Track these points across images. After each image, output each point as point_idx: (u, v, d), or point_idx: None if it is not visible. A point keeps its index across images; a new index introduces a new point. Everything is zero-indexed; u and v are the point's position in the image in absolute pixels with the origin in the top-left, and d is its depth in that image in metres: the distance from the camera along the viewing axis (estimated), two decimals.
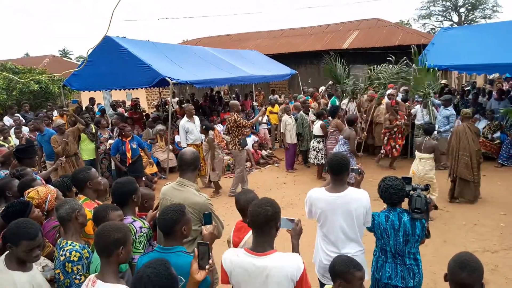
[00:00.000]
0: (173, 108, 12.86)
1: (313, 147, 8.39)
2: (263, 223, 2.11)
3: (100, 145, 7.66)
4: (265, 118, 11.60)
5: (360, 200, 2.92)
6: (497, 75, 13.48)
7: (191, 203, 2.87)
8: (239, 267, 2.13)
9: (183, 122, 7.82)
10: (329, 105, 9.72)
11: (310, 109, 9.76)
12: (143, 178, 7.62)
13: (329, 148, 7.77)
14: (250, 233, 2.67)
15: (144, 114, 12.29)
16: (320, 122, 8.37)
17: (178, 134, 8.08)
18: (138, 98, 12.12)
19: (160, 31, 73.54)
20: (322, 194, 3.00)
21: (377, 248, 3.09)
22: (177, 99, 14.46)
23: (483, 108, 9.77)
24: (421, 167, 5.84)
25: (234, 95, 15.14)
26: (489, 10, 32.52)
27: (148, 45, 10.57)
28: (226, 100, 14.04)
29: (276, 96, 14.61)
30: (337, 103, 9.42)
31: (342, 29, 18.36)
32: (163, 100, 13.97)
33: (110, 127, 8.15)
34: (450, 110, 8.31)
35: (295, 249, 2.39)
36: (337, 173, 2.96)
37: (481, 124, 9.07)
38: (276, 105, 11.58)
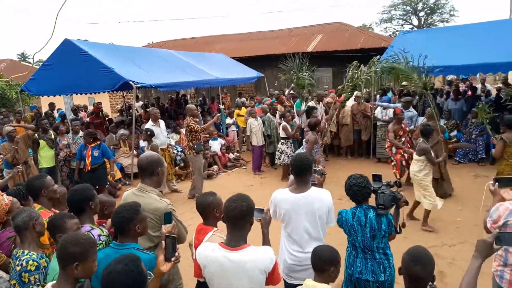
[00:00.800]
0: (137, 112, 12.63)
1: (278, 148, 8.52)
2: (238, 218, 2.19)
3: (59, 151, 7.39)
4: (233, 120, 11.62)
5: (322, 199, 2.97)
6: (454, 76, 14.11)
7: (152, 209, 2.82)
8: (214, 261, 2.18)
9: (148, 126, 7.68)
10: (294, 108, 9.83)
11: (277, 111, 9.85)
12: (107, 185, 7.42)
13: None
14: (210, 234, 2.67)
15: (107, 119, 11.98)
16: (283, 123, 8.44)
17: (143, 138, 7.92)
18: (101, 103, 11.77)
19: (125, 34, 72.01)
20: (286, 195, 3.04)
21: (349, 244, 3.15)
22: (141, 103, 14.20)
23: (441, 108, 10.19)
24: (411, 167, 5.94)
25: (200, 98, 15.05)
26: (446, 14, 34.10)
27: (111, 48, 10.32)
28: (193, 104, 13.92)
29: (243, 99, 14.64)
30: (302, 105, 9.54)
31: (307, 33, 18.69)
32: (127, 104, 13.66)
33: (70, 133, 7.85)
34: (412, 111, 8.61)
35: (266, 238, 2.50)
36: (300, 173, 3.01)
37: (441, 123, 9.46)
38: (243, 108, 11.60)
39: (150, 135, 7.41)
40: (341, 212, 3.10)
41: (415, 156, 5.89)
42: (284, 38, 18.85)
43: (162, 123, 7.91)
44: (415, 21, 35.02)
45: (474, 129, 8.88)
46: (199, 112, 11.88)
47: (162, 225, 2.62)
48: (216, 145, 10.06)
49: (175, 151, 9.26)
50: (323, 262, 2.38)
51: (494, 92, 11.93)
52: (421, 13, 34.77)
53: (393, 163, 7.60)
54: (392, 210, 3.12)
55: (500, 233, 1.94)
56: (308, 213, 2.95)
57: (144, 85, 8.45)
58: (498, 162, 5.63)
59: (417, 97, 10.85)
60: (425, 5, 34.17)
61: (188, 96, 15.49)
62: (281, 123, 9.46)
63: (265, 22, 68.51)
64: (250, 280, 2.16)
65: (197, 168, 7.40)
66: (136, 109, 12.89)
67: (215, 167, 9.48)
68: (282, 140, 8.45)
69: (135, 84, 8.12)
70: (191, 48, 17.51)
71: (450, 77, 13.97)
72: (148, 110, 10.15)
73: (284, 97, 11.06)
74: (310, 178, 3.06)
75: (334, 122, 9.53)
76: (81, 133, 7.70)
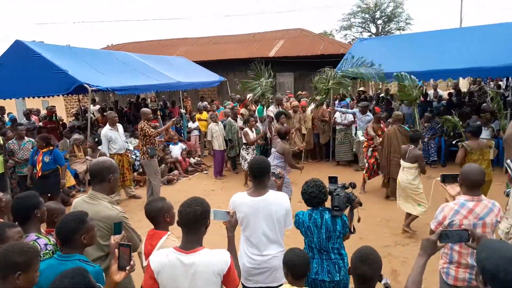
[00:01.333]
0: (94, 116, 12.22)
1: (241, 154, 8.54)
2: (192, 222, 2.16)
3: (8, 158, 6.99)
4: (196, 124, 11.50)
5: (280, 203, 3.00)
6: None
7: (103, 217, 2.72)
8: (168, 266, 2.14)
9: (105, 130, 7.39)
10: (256, 113, 9.89)
11: (238, 115, 9.86)
12: (60, 193, 7.09)
13: None
14: (164, 238, 2.62)
15: (60, 123, 11.49)
16: (245, 129, 8.36)
17: (89, 145, 7.64)
18: (54, 106, 11.30)
19: (84, 36, 69.46)
20: (245, 198, 3.04)
21: (306, 246, 3.19)
22: (98, 106, 13.75)
23: None
24: (404, 176, 5.61)
25: (161, 102, 14.79)
26: (403, 23, 35.55)
27: (66, 50, 9.92)
28: (153, 108, 13.65)
29: (205, 103, 14.55)
30: (264, 110, 9.62)
31: (269, 38, 18.89)
32: (83, 108, 13.18)
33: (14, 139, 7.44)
34: (370, 116, 8.89)
35: (231, 241, 2.49)
36: (258, 177, 3.02)
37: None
38: (204, 112, 11.52)
39: (97, 143, 7.17)
40: (298, 214, 3.15)
41: (406, 164, 5.58)
42: (246, 42, 18.94)
43: (120, 127, 7.68)
44: (373, 29, 36.28)
45: (426, 133, 9.30)
46: (159, 116, 11.72)
47: (111, 236, 2.54)
48: (176, 149, 9.92)
49: (134, 156, 9.03)
50: (300, 267, 2.40)
51: (445, 98, 12.60)
52: (379, 21, 36.05)
53: (365, 165, 7.73)
54: (347, 211, 3.19)
55: (443, 231, 2.03)
56: (267, 216, 2.97)
57: (101, 88, 8.19)
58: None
59: (374, 102, 11.26)
60: (383, 14, 35.51)
61: (149, 100, 15.20)
62: (243, 128, 9.50)
63: (227, 26, 68.36)
64: (205, 283, 2.14)
65: (151, 174, 7.21)
66: (93, 113, 12.49)
67: (175, 172, 9.33)
68: (243, 146, 8.45)
69: (90, 87, 7.86)
70: (152, 51, 17.20)
71: None
72: (105, 114, 9.83)
73: (248, 100, 11.11)
74: (268, 182, 3.08)
75: (303, 126, 9.64)
76: (27, 138, 7.33)
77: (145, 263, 2.59)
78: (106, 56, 11.43)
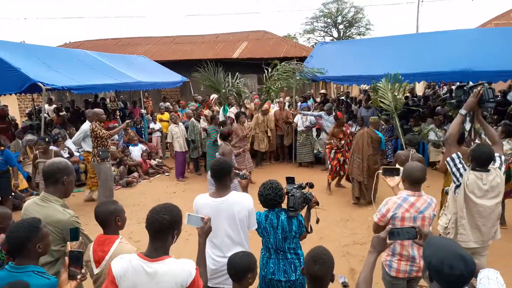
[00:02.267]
0: (49, 116, 11.68)
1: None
2: (158, 230, 2.06)
3: None
4: (158, 125, 11.28)
5: (242, 203, 2.98)
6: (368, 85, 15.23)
7: (54, 221, 2.60)
8: (130, 272, 2.04)
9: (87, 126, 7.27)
10: (221, 113, 9.85)
11: (202, 116, 9.78)
12: (11, 196, 6.71)
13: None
14: (116, 242, 2.54)
15: (13, 123, 10.89)
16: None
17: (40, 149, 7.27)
18: (7, 106, 10.71)
19: (40, 34, 66.06)
20: (206, 200, 3.01)
21: (263, 246, 3.22)
22: (54, 106, 13.16)
23: (355, 115, 10.90)
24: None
25: (121, 102, 14.38)
26: (363, 28, 36.75)
27: (18, 47, 9.44)
28: (112, 108, 13.26)
29: (168, 103, 14.30)
30: (228, 111, 9.60)
31: (232, 39, 18.89)
32: (37, 107, 12.55)
33: None
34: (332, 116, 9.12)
35: (201, 248, 2.40)
36: (219, 178, 3.01)
37: (352, 129, 10.11)
38: (167, 113, 11.33)
39: (48, 143, 6.84)
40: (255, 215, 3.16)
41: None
42: (209, 43, 18.83)
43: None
44: (335, 33, 37.22)
45: (384, 134, 9.62)
46: (118, 117, 11.37)
47: (68, 242, 2.42)
48: (136, 151, 9.68)
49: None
50: (239, 271, 2.40)
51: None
52: (341, 26, 37.05)
53: (328, 166, 7.88)
54: (305, 211, 3.25)
55: (392, 229, 2.11)
56: (229, 217, 2.95)
57: (56, 87, 7.85)
58: (445, 179, 5.25)
59: (335, 104, 11.51)
60: (344, 19, 36.54)
61: (108, 99, 14.73)
62: (205, 129, 9.42)
63: (189, 26, 67.41)
64: None
65: (102, 178, 6.92)
66: (47, 113, 11.93)
67: (135, 174, 9.10)
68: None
69: (44, 85, 7.51)
70: (111, 50, 16.72)
71: (364, 86, 15.05)
72: (61, 114, 9.44)
73: (211, 101, 11.04)
74: (230, 183, 3.06)
75: (267, 128, 9.68)
76: None
77: (96, 271, 2.50)
78: (63, 54, 10.96)
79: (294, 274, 3.09)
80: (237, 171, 3.33)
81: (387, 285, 3.30)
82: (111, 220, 2.59)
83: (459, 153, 3.38)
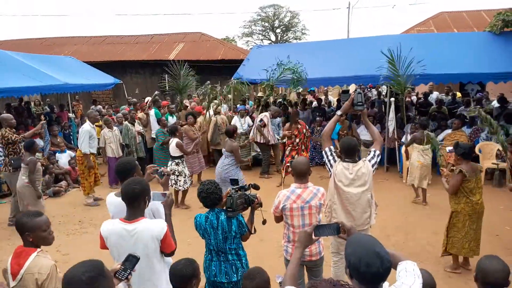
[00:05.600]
0: None
1: (171, 170, 6.91)
2: (131, 198, 2.50)
3: None
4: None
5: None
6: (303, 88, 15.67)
7: None
8: (114, 233, 2.51)
9: (88, 127, 7.41)
10: (152, 115, 9.54)
11: (136, 119, 9.39)
12: None
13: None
14: (33, 255, 2.40)
15: None
16: (176, 140, 6.94)
17: None
18: None
19: None
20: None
21: (206, 248, 3.22)
22: None
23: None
24: (426, 156, 6.89)
25: (47, 106, 13.38)
26: (299, 32, 38.11)
27: None
28: (38, 112, 12.29)
29: (99, 106, 13.58)
30: (160, 114, 9.32)
31: (168, 40, 18.48)
32: None
33: None
34: (278, 119, 9.23)
35: (167, 218, 2.78)
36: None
37: None
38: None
39: None
40: (196, 217, 3.17)
41: (426, 146, 6.84)
42: (143, 44, 18.25)
43: None
44: (273, 37, 38.06)
45: (319, 135, 9.95)
46: (43, 121, 10.53)
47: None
48: (64, 158, 9.06)
49: None
50: (184, 277, 2.46)
51: (335, 104, 13.65)
52: (278, 30, 37.98)
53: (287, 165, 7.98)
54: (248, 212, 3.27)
55: (317, 225, 2.15)
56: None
57: None
58: (454, 200, 4.52)
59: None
60: (281, 23, 37.51)
61: (32, 103, 13.63)
62: (139, 132, 9.07)
63: (119, 26, 64.47)
64: (145, 246, 2.48)
65: (14, 190, 6.27)
66: None
67: (63, 183, 8.49)
68: (176, 160, 7.01)
69: None
70: (35, 50, 15.53)
71: (299, 89, 15.46)
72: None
73: (145, 104, 10.65)
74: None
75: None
76: None
77: (12, 284, 2.40)
78: None
79: (235, 276, 3.11)
80: (155, 168, 3.20)
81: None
82: (25, 235, 2.45)
83: (331, 147, 3.82)
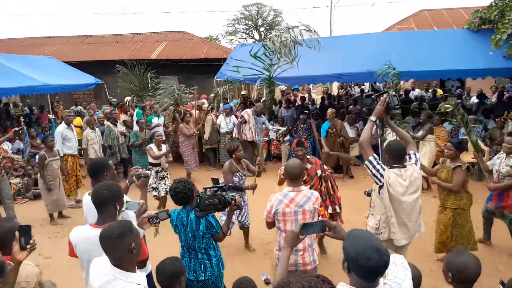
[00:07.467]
0: None
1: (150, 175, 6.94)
2: (100, 203, 2.45)
3: None
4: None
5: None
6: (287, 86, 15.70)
7: None
8: (84, 239, 2.44)
9: (61, 128, 7.34)
10: (135, 116, 9.43)
11: (118, 120, 9.26)
12: None
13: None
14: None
15: None
16: (150, 145, 6.85)
17: None
18: None
19: None
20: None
21: (181, 244, 3.29)
22: None
23: (276, 116, 11.19)
24: (432, 143, 7.46)
25: (26, 108, 13.09)
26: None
27: None
28: (17, 114, 12.01)
29: (80, 107, 13.35)
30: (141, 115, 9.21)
31: (150, 40, 18.27)
32: None
33: None
34: (263, 118, 9.24)
35: (140, 225, 2.61)
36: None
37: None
38: (78, 118, 10.53)
39: None
40: (171, 212, 3.15)
41: (433, 136, 7.45)
42: (125, 43, 18.00)
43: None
44: (257, 36, 37.98)
45: (303, 133, 9.98)
46: (23, 123, 10.29)
47: None
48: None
49: None
50: (174, 273, 2.49)
51: (318, 102, 13.75)
52: (262, 29, 37.92)
53: None
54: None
55: (304, 224, 2.15)
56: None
57: None
58: (455, 197, 4.52)
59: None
60: (264, 21, 37.46)
61: (11, 104, 13.32)
62: (122, 133, 8.94)
63: (99, 25, 63.02)
64: None
65: None
66: None
67: None
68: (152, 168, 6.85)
69: None
70: (12, 50, 15.14)
71: (283, 87, 15.52)
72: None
73: (127, 105, 10.51)
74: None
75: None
76: None
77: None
78: None
79: (203, 275, 3.13)
80: (137, 172, 3.07)
81: None
82: (7, 240, 2.34)
83: (374, 154, 3.40)
